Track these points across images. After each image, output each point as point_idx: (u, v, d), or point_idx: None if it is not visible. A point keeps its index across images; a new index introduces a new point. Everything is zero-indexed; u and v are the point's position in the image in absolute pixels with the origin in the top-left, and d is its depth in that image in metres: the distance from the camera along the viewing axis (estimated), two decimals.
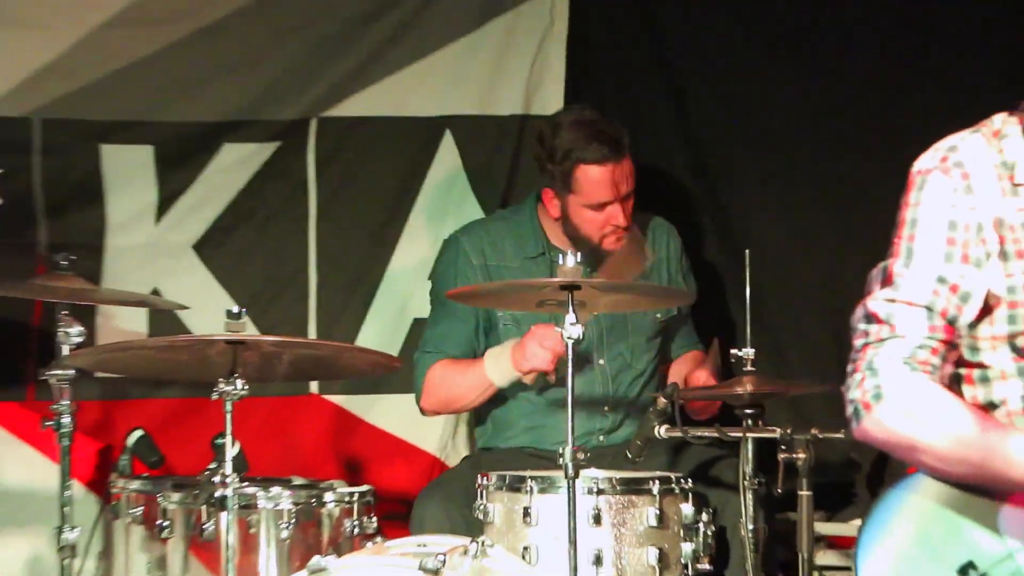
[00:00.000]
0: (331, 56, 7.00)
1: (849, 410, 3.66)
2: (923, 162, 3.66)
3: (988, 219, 3.65)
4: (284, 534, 5.62)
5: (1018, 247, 3.66)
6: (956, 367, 3.71)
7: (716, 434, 5.87)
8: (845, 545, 6.06)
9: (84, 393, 6.15)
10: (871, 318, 3.62)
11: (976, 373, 3.71)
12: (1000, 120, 3.66)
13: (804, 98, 6.79)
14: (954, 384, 3.67)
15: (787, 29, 6.91)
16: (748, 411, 5.83)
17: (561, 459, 5.31)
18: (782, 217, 6.71)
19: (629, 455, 6.07)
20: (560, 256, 5.39)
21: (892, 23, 6.65)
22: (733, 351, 5.92)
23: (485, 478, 5.87)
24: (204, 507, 5.60)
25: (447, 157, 7.10)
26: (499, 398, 6.57)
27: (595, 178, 6.40)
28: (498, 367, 6.34)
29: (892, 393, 3.61)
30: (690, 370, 6.59)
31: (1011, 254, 3.65)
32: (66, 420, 5.94)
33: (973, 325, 3.68)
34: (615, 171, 6.39)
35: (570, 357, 5.32)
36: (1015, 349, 3.62)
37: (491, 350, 6.37)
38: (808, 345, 6.52)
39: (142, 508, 5.85)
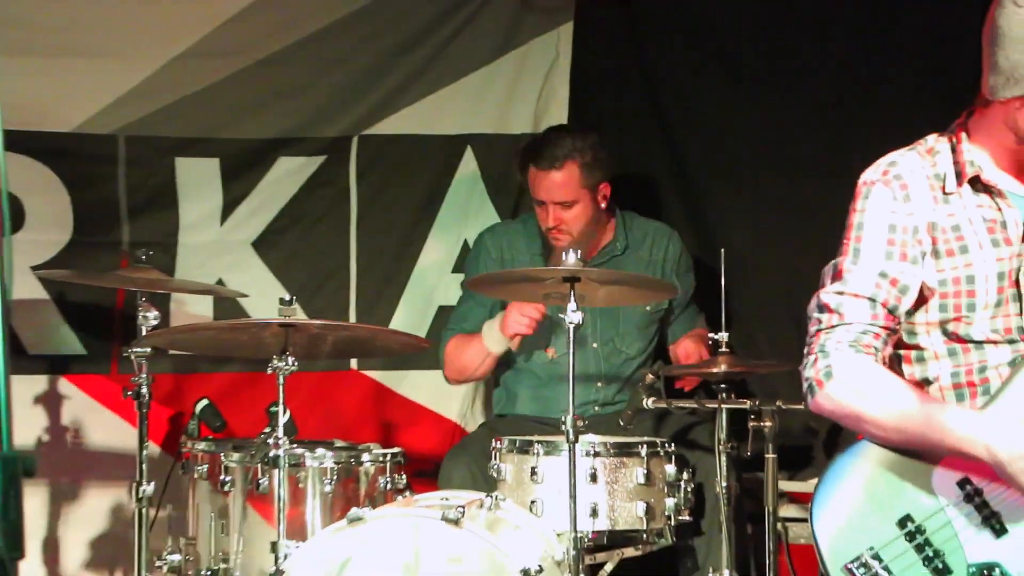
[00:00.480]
0: (370, 83, 7.13)
1: (805, 386, 3.77)
2: (868, 175, 3.80)
3: (923, 223, 3.76)
4: (327, 488, 5.72)
5: (948, 247, 3.76)
6: (896, 349, 3.82)
7: (695, 405, 6.06)
8: (804, 500, 6.10)
9: (159, 368, 6.28)
10: (823, 308, 3.75)
11: (913, 354, 3.83)
12: (933, 139, 3.82)
13: (769, 124, 6.88)
14: (894, 363, 3.80)
15: (754, 66, 7.06)
16: (723, 386, 5.94)
17: (563, 426, 5.37)
18: (751, 222, 6.79)
19: (621, 423, 6.18)
20: (563, 253, 5.43)
21: (839, 62, 6.78)
22: (710, 335, 6.06)
23: (498, 442, 5.93)
24: (259, 465, 5.71)
25: (468, 169, 7.22)
26: (509, 373, 6.78)
27: (530, 179, 6.59)
28: (492, 336, 6.50)
29: (841, 372, 3.70)
30: (685, 345, 6.78)
31: (942, 253, 3.76)
32: (144, 391, 6.00)
33: (910, 313, 3.80)
34: (544, 178, 6.50)
35: (571, 340, 5.39)
36: (946, 333, 3.75)
37: (487, 323, 6.53)
38: (773, 330, 6.59)
39: (207, 466, 5.93)
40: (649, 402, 5.97)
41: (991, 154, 3.75)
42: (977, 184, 3.73)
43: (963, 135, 3.79)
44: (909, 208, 3.77)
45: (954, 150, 3.77)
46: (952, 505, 3.66)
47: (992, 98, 3.72)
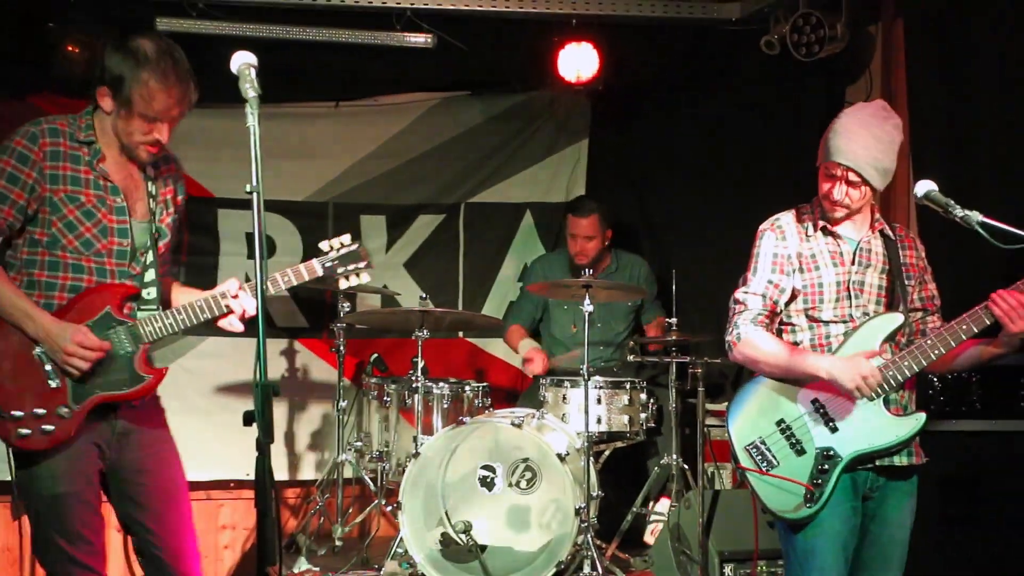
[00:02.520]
0: (471, 173, 7.24)
1: (726, 345, 3.87)
2: (763, 226, 3.91)
3: (794, 252, 3.82)
4: (445, 405, 5.85)
5: (807, 266, 3.78)
6: (779, 325, 3.81)
7: (657, 360, 6.05)
8: (719, 415, 6.10)
9: (350, 335, 6.38)
10: (736, 301, 3.87)
11: (788, 328, 3.88)
12: (799, 207, 3.80)
13: (702, 199, 6.97)
14: (778, 334, 3.78)
15: (697, 167, 7.08)
16: (673, 349, 6.03)
17: (581, 370, 5.49)
18: (692, 255, 6.79)
19: (615, 370, 6.45)
20: (583, 271, 5.64)
21: (741, 165, 6.76)
22: (666, 320, 6.18)
23: (543, 379, 6.09)
24: (406, 391, 5.85)
25: (527, 222, 7.40)
26: (548, 340, 6.73)
27: (569, 222, 6.48)
28: (522, 350, 6.54)
29: (746, 336, 3.78)
30: (651, 326, 6.67)
31: (804, 270, 3.79)
32: (341, 348, 6.24)
33: (787, 304, 3.79)
34: (578, 222, 6.41)
35: (586, 321, 5.51)
36: (807, 316, 3.81)
37: (523, 343, 6.57)
38: (704, 317, 6.50)
39: (376, 392, 6.09)
40: (630, 358, 6.06)
41: (827, 210, 3.72)
42: (825, 230, 3.69)
43: (815, 203, 3.75)
44: (785, 244, 3.81)
45: (812, 212, 3.73)
46: (807, 413, 3.72)
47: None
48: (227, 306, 3.59)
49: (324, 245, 3.68)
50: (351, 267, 3.67)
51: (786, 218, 3.82)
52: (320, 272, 3.66)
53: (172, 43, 3.55)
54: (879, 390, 3.61)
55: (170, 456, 3.67)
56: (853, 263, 3.75)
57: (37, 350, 3.46)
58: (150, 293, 3.58)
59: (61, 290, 3.51)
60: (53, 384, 3.43)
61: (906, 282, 3.77)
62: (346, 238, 3.72)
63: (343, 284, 3.72)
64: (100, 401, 3.46)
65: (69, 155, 3.51)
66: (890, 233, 3.81)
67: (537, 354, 6.43)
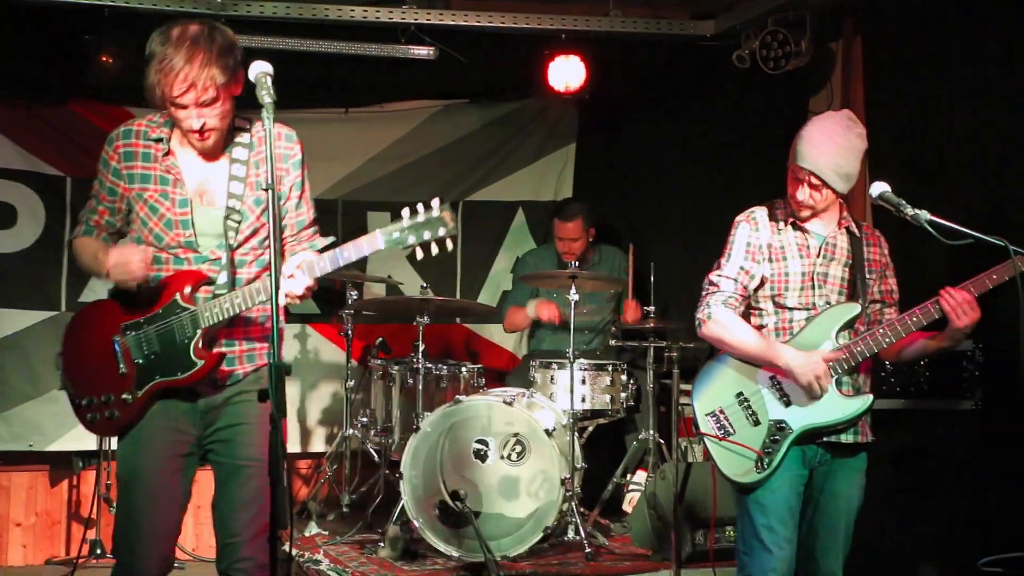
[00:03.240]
0: (468, 173, 7.24)
1: (696, 324, 3.80)
2: (738, 217, 3.88)
3: (765, 243, 3.78)
4: (443, 385, 5.92)
5: (776, 256, 3.74)
6: (747, 308, 3.79)
7: (636, 344, 5.97)
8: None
9: (357, 320, 6.45)
10: (710, 282, 3.83)
11: (755, 312, 3.84)
12: (773, 202, 3.79)
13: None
14: (746, 317, 3.77)
15: (673, 172, 7.09)
16: (651, 334, 6.08)
17: (567, 354, 5.58)
18: (667, 248, 6.82)
19: (598, 353, 6.50)
20: (570, 264, 5.98)
21: (720, 169, 6.76)
22: (646, 307, 6.10)
23: (532, 361, 6.13)
24: (408, 371, 5.86)
25: (519, 220, 7.38)
26: (537, 327, 6.73)
27: (556, 225, 6.47)
28: (531, 310, 6.48)
29: (716, 316, 3.74)
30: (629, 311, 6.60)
31: (773, 259, 3.76)
32: (349, 332, 6.33)
33: (756, 289, 3.77)
34: (563, 225, 6.42)
35: (572, 309, 5.62)
36: (773, 302, 3.78)
37: (530, 302, 6.51)
38: (678, 305, 6.51)
39: (381, 371, 6.12)
40: (612, 341, 6.13)
41: (794, 209, 3.71)
42: (795, 225, 3.68)
43: (788, 199, 3.75)
44: (758, 235, 3.79)
45: (784, 207, 3.72)
46: (765, 388, 3.72)
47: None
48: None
49: (405, 212, 3.20)
50: (427, 236, 3.17)
51: (760, 211, 3.80)
52: (382, 245, 3.21)
53: (202, 27, 3.24)
54: (828, 386, 3.64)
55: (242, 436, 3.37)
56: (819, 256, 3.72)
57: (116, 340, 3.40)
58: (222, 278, 3.36)
59: (146, 281, 3.42)
60: (122, 371, 3.36)
61: (867, 276, 3.74)
62: (434, 203, 3.21)
63: (420, 255, 3.26)
64: (160, 387, 3.33)
65: (141, 154, 3.40)
66: (856, 231, 3.78)
67: (544, 304, 6.43)
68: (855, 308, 3.68)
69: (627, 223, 7.23)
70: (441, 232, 3.22)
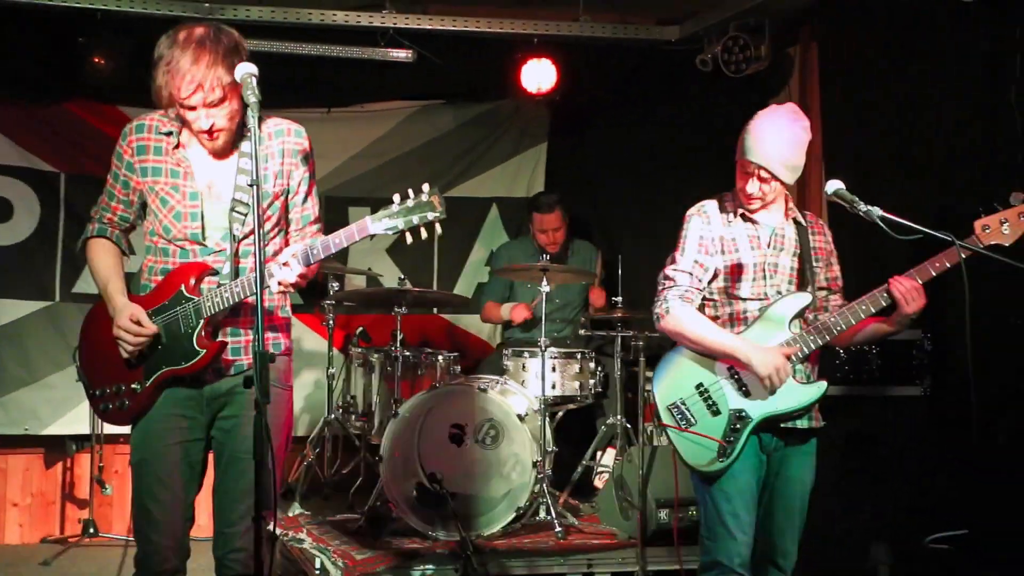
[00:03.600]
0: (445, 170, 7.23)
1: (654, 319, 3.76)
2: (690, 211, 3.82)
3: (717, 236, 3.74)
4: (420, 372, 5.92)
5: (728, 248, 3.70)
6: (703, 301, 3.75)
7: (604, 333, 6.03)
8: None
9: (339, 310, 6.50)
10: (666, 277, 3.77)
11: (710, 303, 3.80)
12: (722, 195, 3.77)
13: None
14: (701, 308, 3.75)
15: (640, 169, 7.08)
16: (618, 324, 5.99)
17: (539, 343, 5.53)
18: (633, 242, 6.82)
19: (568, 342, 6.48)
20: (541, 256, 5.74)
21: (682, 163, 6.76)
22: (614, 298, 6.03)
23: (505, 349, 6.09)
24: (388, 360, 5.84)
25: (494, 214, 7.39)
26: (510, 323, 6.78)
27: (536, 218, 6.45)
28: (506, 312, 6.47)
29: (672, 310, 3.69)
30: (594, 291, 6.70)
31: (726, 252, 3.70)
32: (331, 322, 6.30)
33: (710, 282, 3.75)
34: (543, 217, 6.41)
35: (543, 299, 5.57)
36: (726, 293, 3.75)
37: (505, 306, 6.52)
38: (645, 296, 6.54)
39: (362, 360, 6.13)
40: (581, 331, 6.08)
41: (743, 201, 3.71)
42: (744, 217, 3.69)
43: (736, 192, 3.75)
44: (710, 228, 3.74)
45: (733, 200, 3.73)
46: (724, 379, 3.68)
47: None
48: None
49: (396, 197, 3.19)
50: (415, 221, 3.15)
51: (711, 204, 3.76)
52: (373, 230, 3.18)
53: (208, 29, 3.19)
54: (787, 378, 3.62)
55: (241, 428, 3.29)
56: (768, 246, 3.70)
57: None
58: (226, 268, 3.32)
59: (153, 273, 3.42)
60: (132, 362, 3.34)
61: (814, 264, 3.74)
62: (424, 187, 3.21)
63: (410, 240, 3.23)
64: (166, 376, 3.30)
65: (153, 147, 3.36)
66: (801, 220, 3.77)
67: (519, 307, 6.43)
68: (807, 297, 3.67)
69: (596, 218, 7.26)
70: (430, 216, 3.22)
